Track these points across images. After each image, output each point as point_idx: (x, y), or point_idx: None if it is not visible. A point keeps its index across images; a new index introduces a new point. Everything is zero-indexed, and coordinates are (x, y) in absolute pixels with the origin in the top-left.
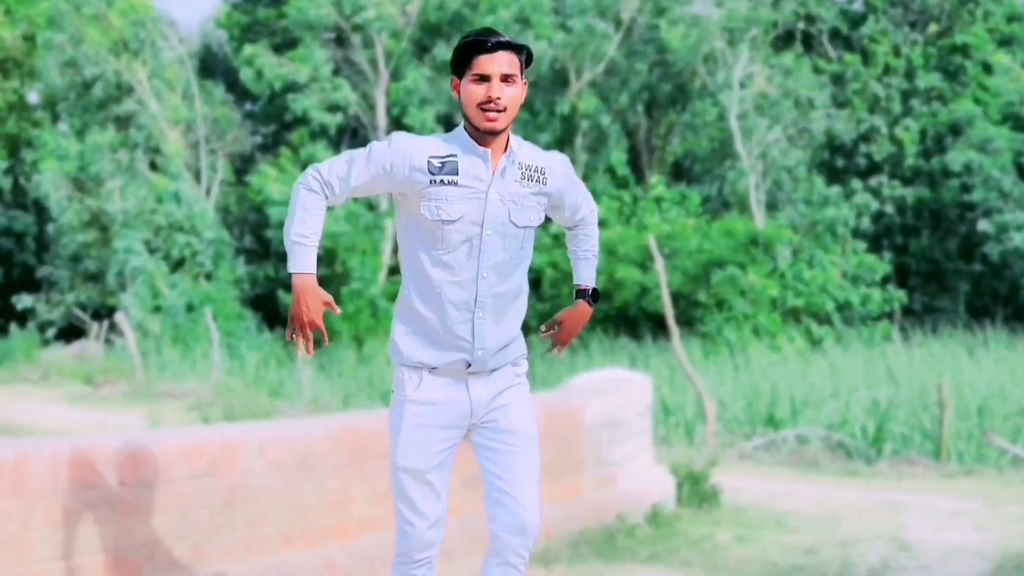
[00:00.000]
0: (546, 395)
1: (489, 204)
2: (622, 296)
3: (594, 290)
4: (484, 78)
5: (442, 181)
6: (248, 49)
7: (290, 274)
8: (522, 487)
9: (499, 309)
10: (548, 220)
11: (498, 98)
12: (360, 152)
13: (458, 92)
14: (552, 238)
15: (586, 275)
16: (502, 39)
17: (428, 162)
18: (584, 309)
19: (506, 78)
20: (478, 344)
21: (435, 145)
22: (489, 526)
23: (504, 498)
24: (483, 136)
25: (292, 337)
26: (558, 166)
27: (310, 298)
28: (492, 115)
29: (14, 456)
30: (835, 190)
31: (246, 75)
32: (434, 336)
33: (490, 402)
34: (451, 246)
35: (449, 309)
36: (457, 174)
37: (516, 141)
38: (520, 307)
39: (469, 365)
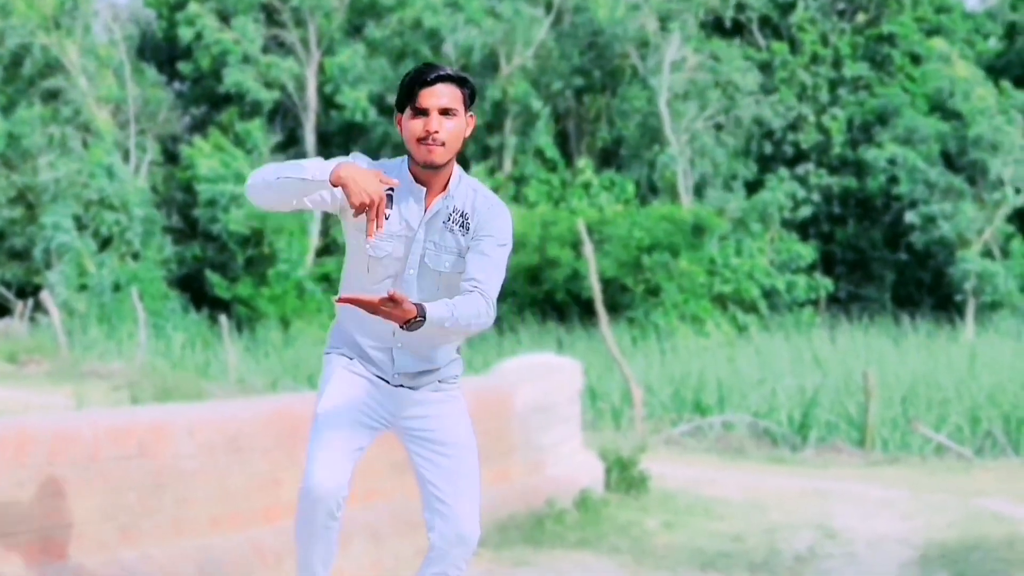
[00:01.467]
0: (475, 379)
1: (415, 244)
2: (552, 278)
3: (425, 315)
4: (423, 112)
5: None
6: (192, 7)
7: (331, 183)
8: (459, 497)
9: (420, 342)
10: None
11: (436, 132)
12: (313, 161)
13: (400, 126)
14: None
15: (433, 307)
16: (442, 72)
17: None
18: (413, 308)
19: (446, 111)
20: (397, 369)
21: (384, 172)
22: (428, 534)
23: (442, 508)
24: (423, 171)
25: (373, 232)
26: (487, 212)
27: (365, 178)
28: (431, 146)
29: None
30: (770, 176)
31: (184, 34)
32: (359, 354)
33: (424, 409)
34: (376, 279)
35: (371, 335)
36: (389, 209)
37: (456, 180)
38: (446, 344)
39: (387, 381)
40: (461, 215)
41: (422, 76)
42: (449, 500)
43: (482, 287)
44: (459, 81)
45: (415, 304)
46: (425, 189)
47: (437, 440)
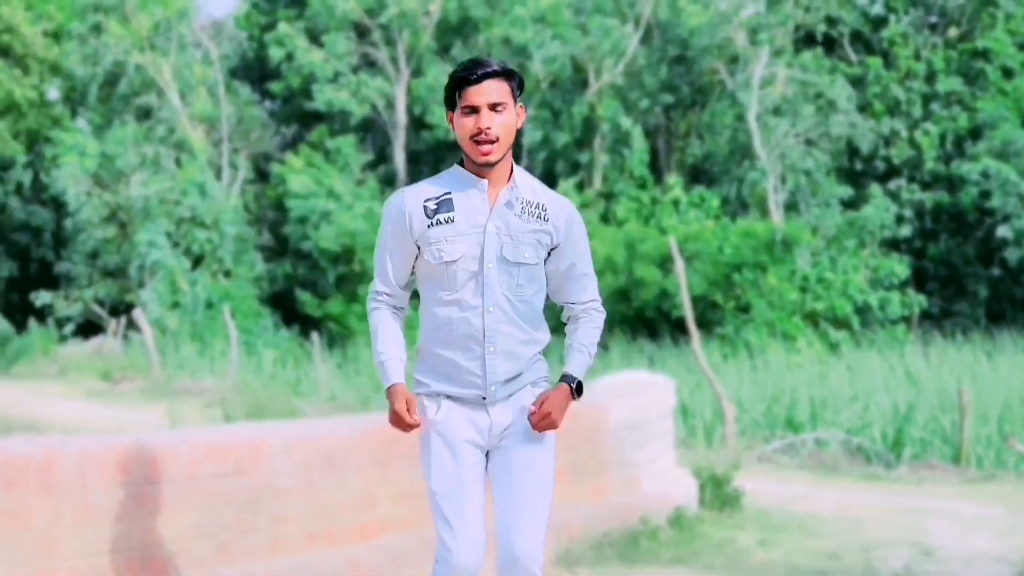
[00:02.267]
0: None
1: (488, 238)
2: (641, 297)
3: (579, 383)
4: (473, 109)
5: (439, 221)
6: (282, 28)
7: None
8: (519, 519)
9: (510, 342)
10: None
11: (488, 128)
12: (379, 238)
13: (452, 125)
14: None
15: (575, 366)
16: (488, 68)
17: (424, 207)
18: (564, 391)
19: (495, 107)
20: (490, 379)
21: (428, 188)
22: None
23: (502, 529)
24: (480, 168)
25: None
26: (563, 208)
27: (400, 408)
28: (485, 147)
29: (42, 453)
30: (871, 193)
31: (275, 54)
32: (449, 373)
33: (508, 425)
34: (458, 284)
35: (460, 346)
36: (453, 211)
37: (520, 174)
38: (533, 338)
39: (484, 398)
40: (536, 205)
41: (468, 73)
42: (509, 520)
43: (596, 303)
44: (505, 74)
45: (564, 377)
46: (487, 181)
47: (514, 459)
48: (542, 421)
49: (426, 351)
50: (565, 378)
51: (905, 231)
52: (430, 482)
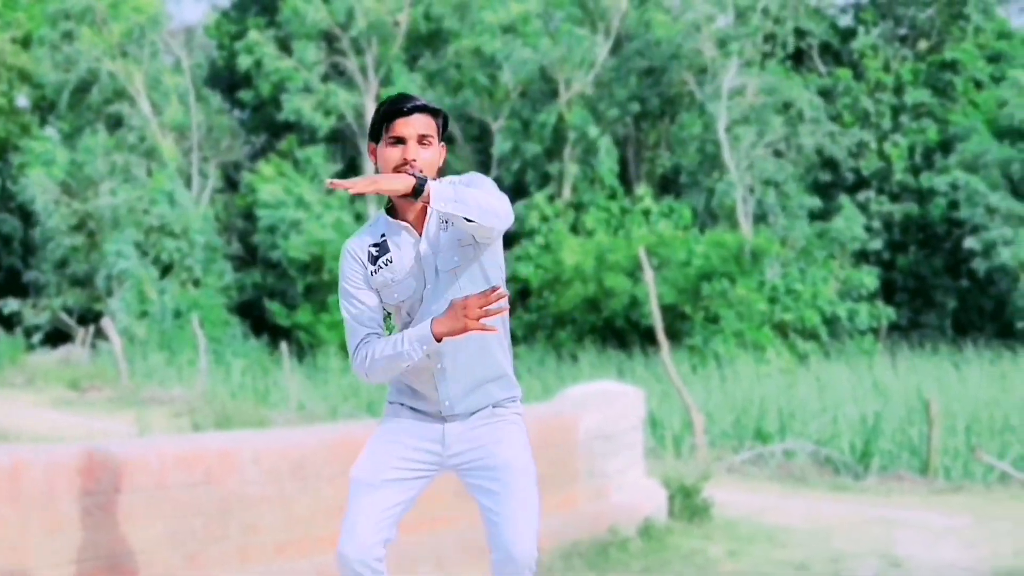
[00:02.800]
0: (538, 407)
1: (423, 262)
2: (610, 306)
3: (423, 185)
4: (400, 140)
5: (381, 265)
6: (252, 35)
7: (435, 338)
8: (510, 518)
9: (460, 356)
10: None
11: (414, 159)
12: (345, 303)
13: (375, 157)
14: (540, 248)
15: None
16: (418, 103)
17: (368, 252)
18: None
19: (422, 139)
20: (443, 396)
21: (367, 236)
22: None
23: (494, 529)
24: (402, 205)
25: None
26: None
27: (453, 321)
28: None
29: (11, 462)
30: (841, 205)
31: (244, 62)
32: (409, 394)
33: (471, 440)
34: (411, 314)
35: (413, 370)
36: (390, 251)
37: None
38: (490, 348)
39: (441, 413)
40: (445, 221)
41: (398, 106)
42: (500, 521)
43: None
44: (433, 111)
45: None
46: (408, 222)
47: (487, 467)
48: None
49: (394, 379)
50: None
51: (875, 243)
52: (351, 470)
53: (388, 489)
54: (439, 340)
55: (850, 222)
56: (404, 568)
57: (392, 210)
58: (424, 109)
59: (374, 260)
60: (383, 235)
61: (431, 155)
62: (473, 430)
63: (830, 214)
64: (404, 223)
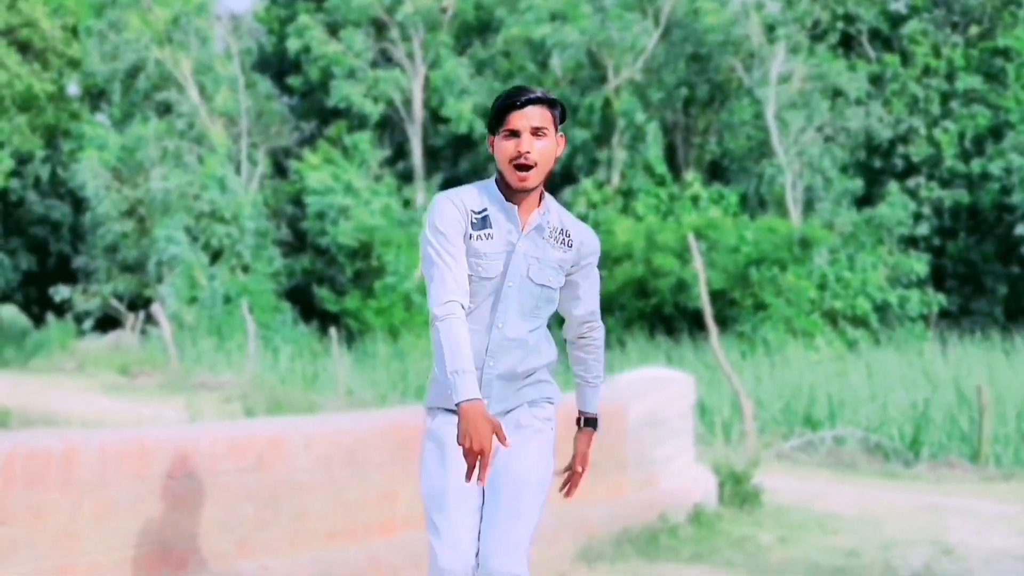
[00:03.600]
0: None
1: (515, 258)
2: (659, 290)
3: (595, 418)
4: (515, 133)
5: (479, 236)
6: (302, 19)
7: (458, 407)
8: (498, 533)
9: (511, 357)
10: None
11: (528, 152)
12: (431, 248)
13: (493, 149)
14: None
15: (592, 404)
16: (532, 95)
17: (470, 213)
18: (589, 437)
19: (537, 131)
20: (484, 393)
21: (471, 198)
22: None
23: (482, 541)
24: (514, 193)
25: (471, 477)
26: (587, 237)
27: (480, 424)
28: (523, 173)
29: (63, 447)
30: (888, 190)
31: (293, 45)
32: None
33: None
34: (479, 299)
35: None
36: (491, 228)
37: (549, 200)
38: (537, 353)
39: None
40: (561, 231)
41: (513, 99)
42: (487, 534)
43: (598, 327)
44: (549, 102)
45: (585, 418)
46: (516, 207)
47: (502, 471)
48: (581, 473)
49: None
50: (588, 422)
51: (922, 229)
52: (422, 487)
53: (464, 494)
54: (457, 409)
55: (895, 208)
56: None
57: (502, 183)
58: (539, 101)
59: (475, 225)
60: (486, 209)
61: (546, 146)
62: (508, 427)
63: (876, 200)
64: (514, 206)
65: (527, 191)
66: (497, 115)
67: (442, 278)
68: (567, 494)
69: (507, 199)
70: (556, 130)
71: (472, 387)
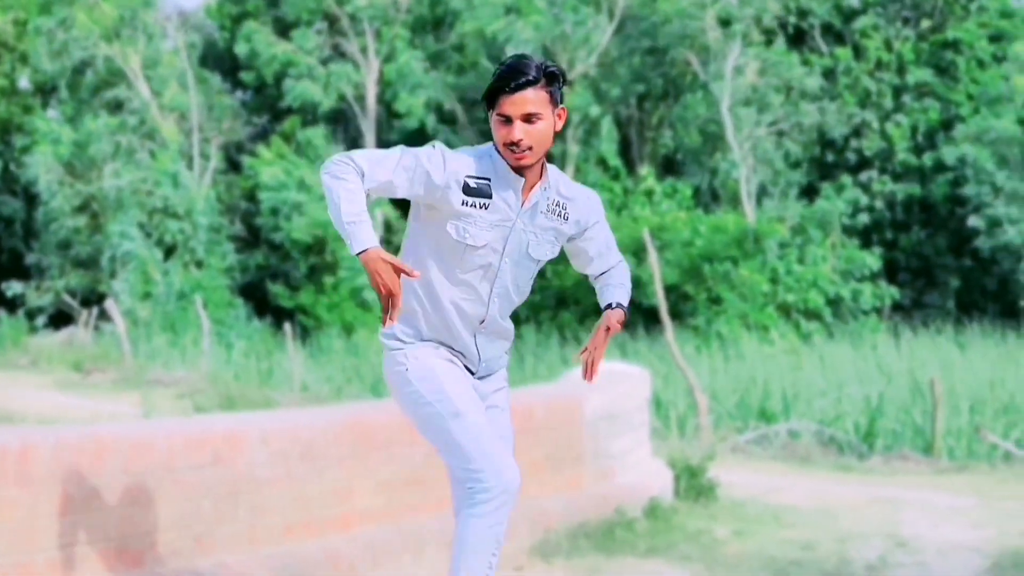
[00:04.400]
0: (545, 387)
1: (513, 234)
2: None
3: (623, 307)
4: (507, 119)
5: (474, 204)
6: (249, 25)
7: (359, 254)
8: (510, 451)
9: (498, 328)
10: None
11: (520, 139)
12: (396, 149)
13: (491, 124)
14: None
15: (619, 296)
16: (522, 79)
17: (465, 181)
18: (619, 314)
19: (528, 118)
20: (483, 357)
21: (472, 164)
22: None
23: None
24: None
25: (387, 321)
26: (583, 201)
27: (381, 268)
28: (517, 154)
29: (19, 444)
30: (828, 183)
31: (241, 50)
32: (442, 335)
33: (492, 392)
34: (468, 268)
35: (457, 324)
36: (490, 198)
37: (552, 172)
38: (510, 328)
39: (473, 373)
40: (558, 204)
41: (504, 83)
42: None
43: (617, 262)
44: (546, 79)
45: (608, 307)
46: (523, 180)
47: (493, 406)
48: (599, 354)
49: (413, 315)
50: (618, 305)
51: (864, 219)
52: (437, 405)
53: (482, 408)
54: (358, 255)
55: (831, 200)
56: (410, 548)
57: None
58: (532, 83)
59: (468, 191)
60: (488, 179)
61: (540, 129)
62: (485, 390)
63: (820, 193)
64: (516, 179)
65: (523, 169)
66: (490, 96)
67: (374, 155)
68: (589, 379)
69: (513, 169)
70: (555, 106)
71: (370, 235)
